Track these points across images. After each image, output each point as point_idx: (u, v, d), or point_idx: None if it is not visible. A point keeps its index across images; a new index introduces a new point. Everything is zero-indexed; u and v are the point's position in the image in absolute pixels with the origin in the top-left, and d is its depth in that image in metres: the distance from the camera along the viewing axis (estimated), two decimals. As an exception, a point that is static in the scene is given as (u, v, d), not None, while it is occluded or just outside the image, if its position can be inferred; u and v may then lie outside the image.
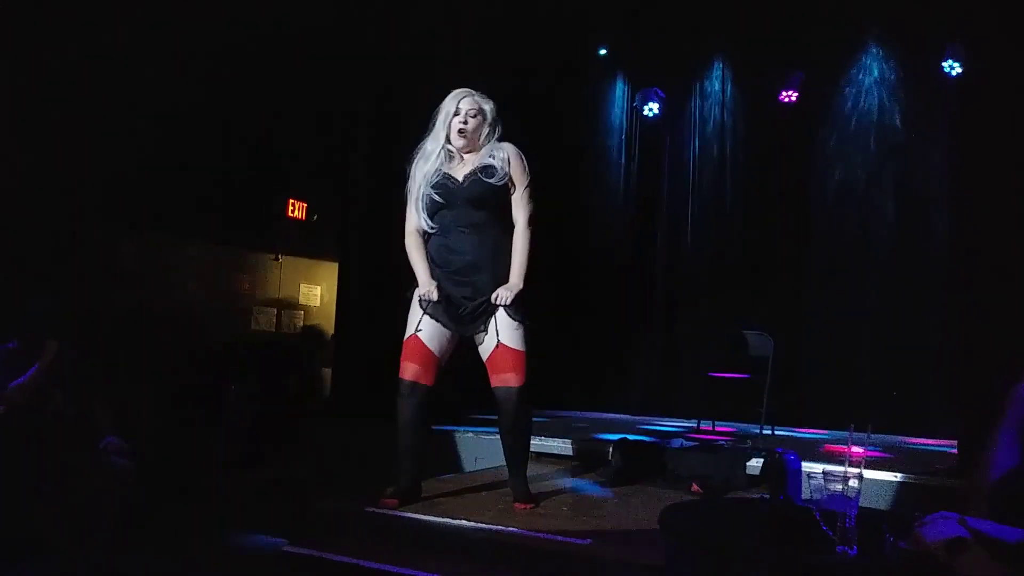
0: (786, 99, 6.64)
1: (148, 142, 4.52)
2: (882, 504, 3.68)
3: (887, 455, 4.59)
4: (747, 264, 6.74)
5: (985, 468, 1.68)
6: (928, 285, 6.10)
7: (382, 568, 2.90)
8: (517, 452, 3.49)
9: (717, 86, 7.06)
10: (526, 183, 3.36)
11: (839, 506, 1.74)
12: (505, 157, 3.33)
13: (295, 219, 5.17)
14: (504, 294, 3.31)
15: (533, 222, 3.37)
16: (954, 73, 6.03)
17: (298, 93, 5.05)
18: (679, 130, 7.22)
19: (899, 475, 3.86)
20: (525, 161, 3.38)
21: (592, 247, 7.30)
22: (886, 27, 6.41)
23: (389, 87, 5.63)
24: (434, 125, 3.38)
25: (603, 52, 7.39)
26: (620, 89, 7.47)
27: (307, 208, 5.20)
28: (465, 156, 3.37)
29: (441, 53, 5.64)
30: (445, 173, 3.32)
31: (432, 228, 3.36)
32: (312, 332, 5.28)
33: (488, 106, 3.39)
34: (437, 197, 3.30)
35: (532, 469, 4.37)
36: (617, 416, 6.75)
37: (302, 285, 5.23)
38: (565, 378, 6.98)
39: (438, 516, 3.21)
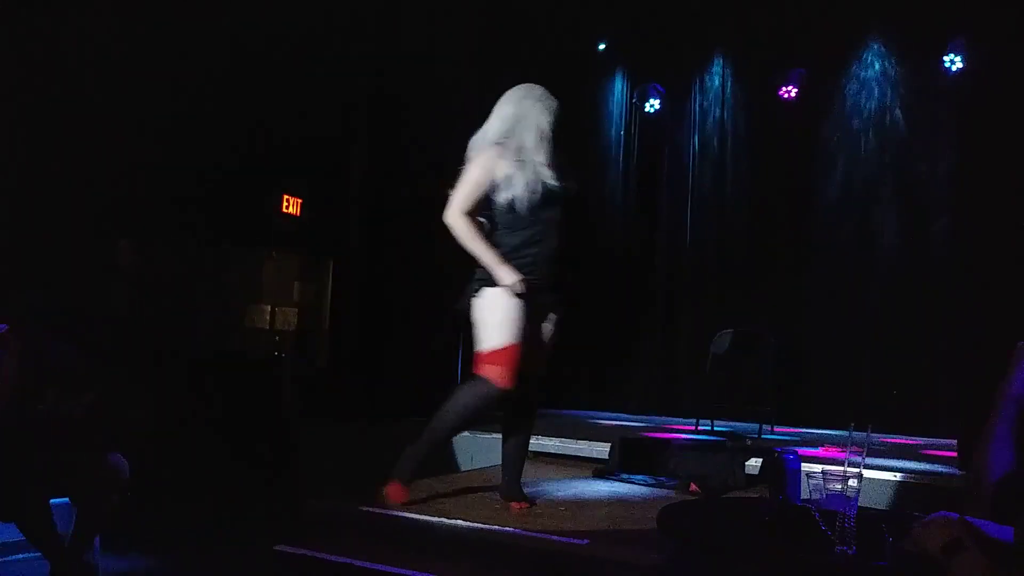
0: (785, 95, 6.61)
1: (141, 139, 4.50)
2: (881, 504, 3.66)
3: (887, 455, 4.57)
4: (747, 262, 6.72)
5: (983, 468, 1.67)
6: (929, 282, 6.07)
7: (377, 568, 2.88)
8: (522, 448, 3.50)
9: (717, 82, 7.03)
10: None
11: (838, 506, 1.72)
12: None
13: (290, 215, 5.13)
14: None
15: None
16: (954, 68, 6.01)
17: (293, 87, 5.02)
18: (679, 126, 7.19)
19: (899, 475, 3.83)
20: None
21: (591, 244, 7.26)
22: (886, 22, 6.39)
23: (387, 80, 5.61)
24: (525, 116, 3.33)
25: (602, 47, 7.36)
26: (619, 84, 7.44)
27: (301, 204, 5.16)
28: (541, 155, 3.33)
29: (439, 47, 5.62)
30: (537, 171, 3.27)
31: (524, 216, 3.26)
32: (307, 330, 5.26)
33: None
34: (536, 194, 3.24)
35: (529, 469, 4.35)
36: (616, 415, 6.72)
37: (296, 282, 5.20)
38: (563, 377, 6.96)
39: (434, 516, 3.19)
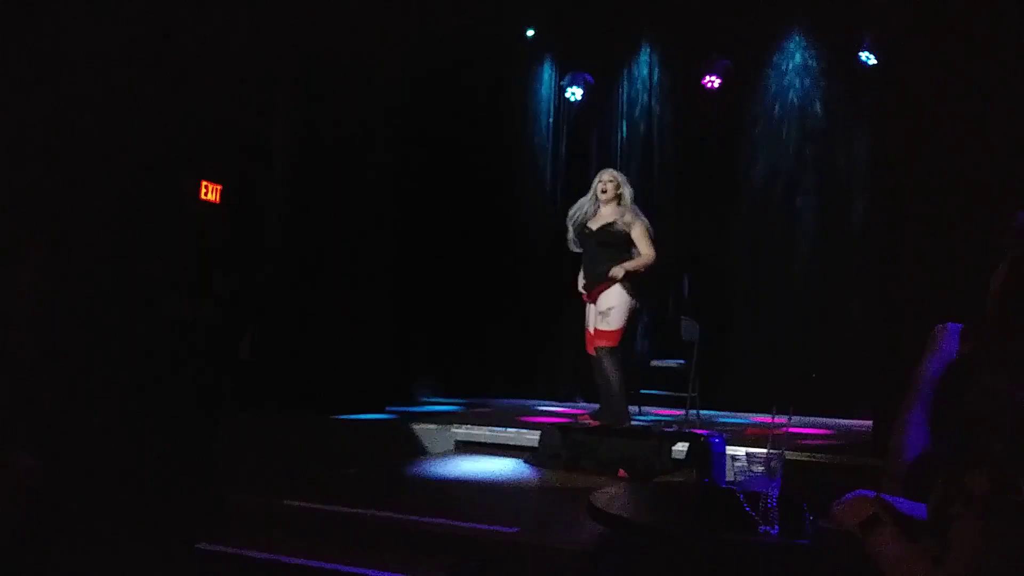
0: (709, 84, 6.70)
1: (51, 128, 4.27)
2: (803, 484, 3.76)
3: (808, 436, 4.70)
4: (672, 247, 6.80)
5: (898, 448, 1.72)
6: (847, 267, 6.28)
7: (303, 563, 2.82)
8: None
9: (645, 71, 7.10)
10: (641, 230, 4.74)
11: (761, 487, 1.75)
12: (628, 221, 4.71)
13: (209, 202, 4.96)
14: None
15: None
16: (870, 63, 6.20)
17: (212, 66, 4.83)
18: (607, 114, 7.23)
19: (819, 455, 3.95)
20: (642, 219, 4.76)
21: (519, 232, 7.25)
22: (809, 16, 6.55)
23: (310, 61, 5.48)
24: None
25: (531, 34, 7.34)
26: (548, 72, 7.44)
27: (222, 191, 5.00)
28: (601, 211, 4.84)
29: (365, 29, 5.52)
30: (583, 224, 4.88)
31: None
32: (228, 320, 5.12)
33: (626, 191, 4.83)
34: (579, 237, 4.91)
35: (459, 458, 4.34)
36: (544, 403, 6.76)
37: (216, 270, 5.04)
38: (492, 366, 6.96)
39: (360, 508, 3.14)
